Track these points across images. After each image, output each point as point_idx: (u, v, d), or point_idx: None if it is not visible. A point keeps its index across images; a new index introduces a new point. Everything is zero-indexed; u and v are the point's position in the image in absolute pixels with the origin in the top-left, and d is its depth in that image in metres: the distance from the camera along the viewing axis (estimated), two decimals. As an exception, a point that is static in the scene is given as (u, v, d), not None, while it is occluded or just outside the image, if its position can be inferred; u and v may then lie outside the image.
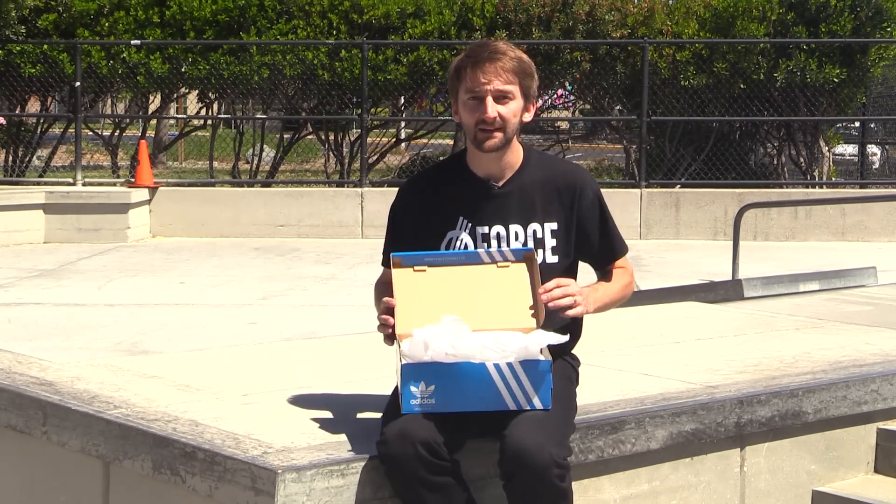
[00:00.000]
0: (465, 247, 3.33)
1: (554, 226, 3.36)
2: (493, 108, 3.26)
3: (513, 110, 3.29)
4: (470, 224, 3.34)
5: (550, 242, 3.35)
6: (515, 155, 3.38)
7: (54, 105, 17.08)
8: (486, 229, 3.34)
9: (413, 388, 3.02)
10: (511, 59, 3.27)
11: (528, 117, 3.35)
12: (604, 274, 3.48)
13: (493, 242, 3.33)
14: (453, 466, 3.07)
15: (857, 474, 4.24)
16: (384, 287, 3.35)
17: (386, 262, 3.44)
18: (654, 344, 5.00)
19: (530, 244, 3.33)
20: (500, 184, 3.36)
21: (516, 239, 3.33)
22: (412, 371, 3.02)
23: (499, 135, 3.29)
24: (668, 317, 5.82)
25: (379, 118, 16.08)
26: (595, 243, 3.41)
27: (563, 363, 3.37)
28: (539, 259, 3.31)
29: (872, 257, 10.28)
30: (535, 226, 3.35)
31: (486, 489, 3.23)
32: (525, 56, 3.33)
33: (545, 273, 3.27)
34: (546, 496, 2.99)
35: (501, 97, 3.27)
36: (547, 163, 3.48)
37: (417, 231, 3.37)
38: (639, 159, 14.41)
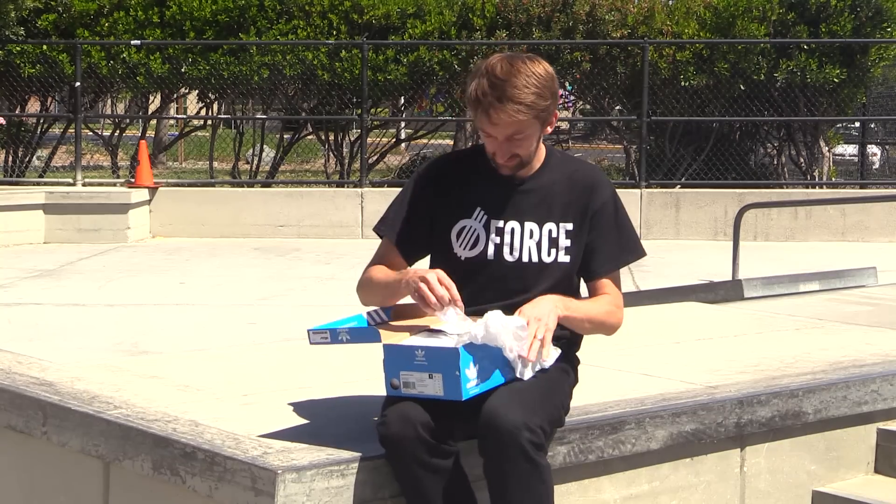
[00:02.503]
0: (477, 238, 3.32)
1: (570, 226, 3.35)
2: (506, 151, 3.25)
3: (528, 143, 3.26)
4: (486, 216, 3.33)
5: (565, 243, 3.34)
6: (538, 156, 3.37)
7: (54, 105, 17.09)
8: (500, 223, 3.32)
9: (467, 371, 3.00)
10: (524, 100, 3.16)
11: (549, 129, 3.32)
12: (598, 290, 3.40)
13: (507, 237, 3.32)
14: (453, 452, 3.09)
15: (857, 474, 4.24)
16: (382, 273, 3.35)
17: (388, 233, 3.40)
18: (654, 344, 5.00)
19: (545, 243, 3.33)
20: (522, 180, 3.36)
21: (531, 237, 3.33)
22: (466, 354, 3.00)
23: (516, 161, 3.29)
24: (668, 317, 5.83)
25: (379, 118, 16.08)
26: (603, 245, 3.37)
27: (563, 360, 3.37)
28: (551, 258, 3.32)
29: (872, 257, 10.27)
30: (550, 225, 3.34)
31: (486, 489, 3.23)
32: (541, 78, 3.20)
33: (556, 271, 3.31)
34: (516, 460, 2.97)
35: (516, 135, 3.23)
36: (567, 163, 3.46)
37: (432, 211, 3.36)
38: (639, 159, 14.41)
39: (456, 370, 2.99)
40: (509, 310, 3.16)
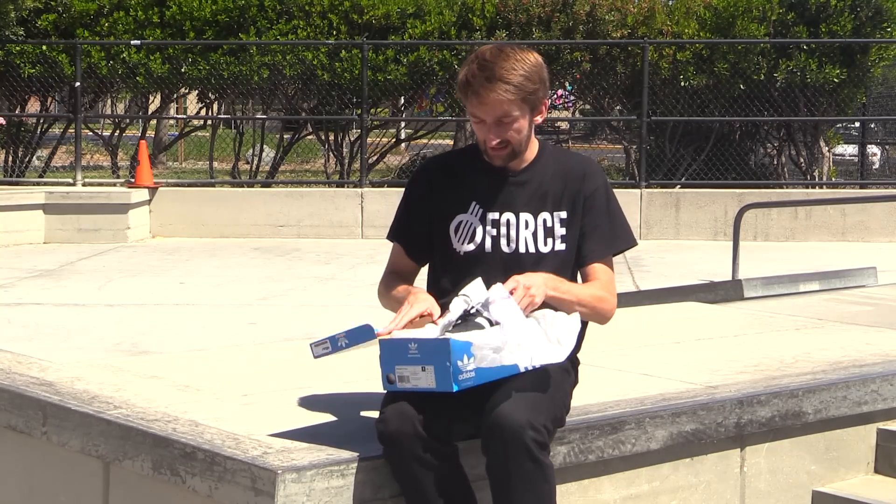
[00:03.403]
0: (474, 231, 3.35)
1: (563, 214, 3.38)
2: (496, 135, 3.28)
3: (518, 128, 3.29)
4: (481, 210, 3.37)
5: (560, 231, 3.37)
6: (531, 149, 3.40)
7: (54, 105, 17.10)
8: (496, 215, 3.36)
9: (459, 363, 2.99)
10: (511, 80, 3.21)
11: (540, 119, 3.36)
12: (590, 277, 3.40)
13: (503, 229, 3.35)
14: (452, 450, 3.10)
15: (857, 474, 4.24)
16: (396, 280, 3.40)
17: (394, 237, 3.49)
18: (654, 344, 5.00)
19: (540, 233, 3.36)
20: (515, 173, 3.39)
21: (526, 227, 3.36)
22: (460, 344, 2.99)
23: (507, 149, 3.32)
24: (668, 317, 5.83)
25: (379, 118, 16.08)
26: (593, 231, 3.39)
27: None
28: (548, 248, 3.35)
29: (872, 257, 10.27)
30: (545, 215, 3.37)
31: (486, 489, 3.23)
32: (529, 63, 3.26)
33: (553, 260, 3.34)
34: (520, 459, 2.98)
35: (504, 118, 3.26)
36: (560, 155, 3.51)
37: (430, 210, 3.41)
38: (639, 159, 14.41)
39: (447, 361, 2.98)
40: None
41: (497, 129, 3.27)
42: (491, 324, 3.11)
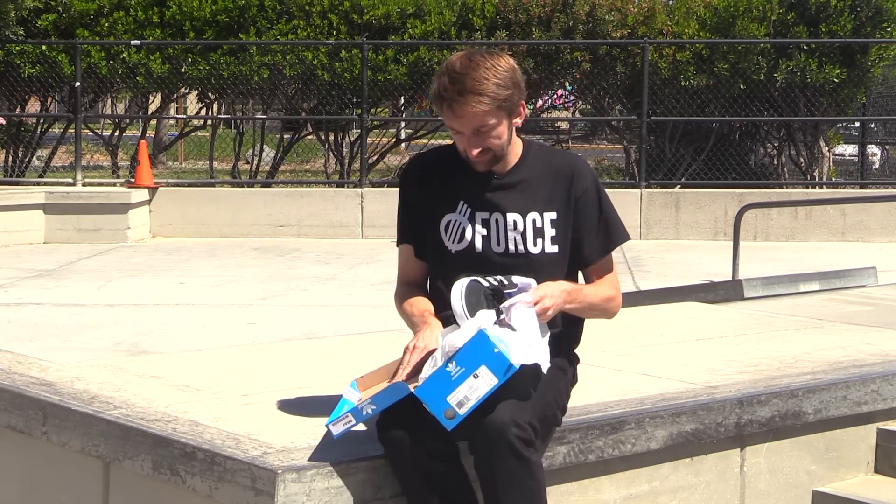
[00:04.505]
0: (463, 231, 3.35)
1: (553, 215, 3.38)
2: (476, 144, 3.27)
3: (497, 135, 3.28)
4: (470, 209, 3.37)
5: (550, 232, 3.37)
6: (514, 150, 3.40)
7: (54, 105, 17.09)
8: (485, 215, 3.36)
9: (502, 346, 2.96)
10: (484, 90, 3.19)
11: (518, 121, 3.35)
12: (592, 276, 3.45)
13: (493, 228, 3.35)
14: (452, 450, 3.10)
15: (857, 474, 4.25)
16: (411, 290, 3.41)
17: (402, 240, 3.48)
18: (654, 344, 5.00)
19: (529, 233, 3.35)
20: (502, 173, 3.38)
21: (514, 228, 3.35)
22: (491, 334, 2.98)
23: (489, 155, 3.31)
24: (668, 317, 5.83)
25: (379, 118, 16.08)
26: (590, 231, 3.40)
27: (561, 358, 3.38)
28: (538, 249, 3.35)
29: (872, 257, 10.28)
30: (534, 215, 3.36)
31: (486, 489, 3.23)
32: (500, 69, 3.23)
33: (545, 262, 3.33)
34: (505, 457, 2.98)
35: (482, 128, 3.25)
36: (546, 154, 3.50)
37: (422, 209, 3.41)
38: (639, 159, 14.41)
39: (494, 348, 2.94)
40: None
41: (476, 139, 3.27)
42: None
